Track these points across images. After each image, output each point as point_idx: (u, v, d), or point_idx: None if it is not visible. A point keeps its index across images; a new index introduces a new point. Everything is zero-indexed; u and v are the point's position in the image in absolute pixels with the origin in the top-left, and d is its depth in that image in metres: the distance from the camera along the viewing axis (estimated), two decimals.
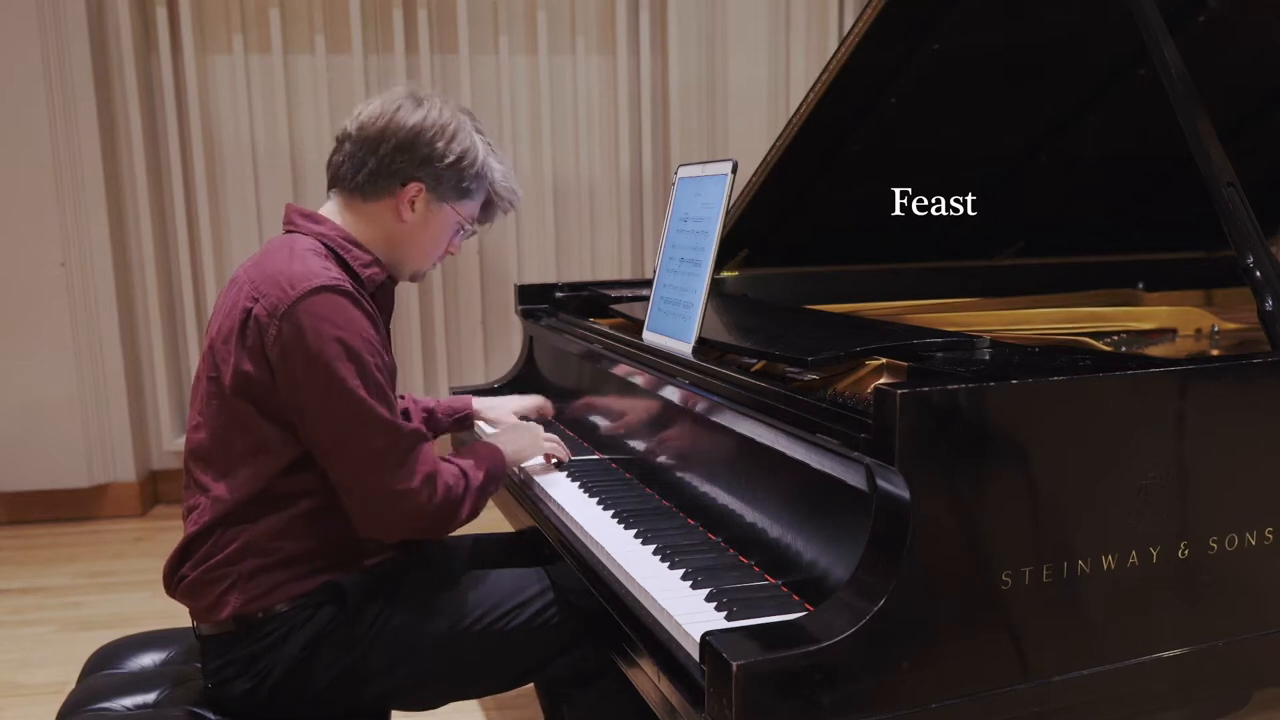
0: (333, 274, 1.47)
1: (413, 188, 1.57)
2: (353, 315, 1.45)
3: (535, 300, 2.49)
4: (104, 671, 1.66)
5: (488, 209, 1.69)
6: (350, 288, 1.47)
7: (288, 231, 1.60)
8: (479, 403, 2.07)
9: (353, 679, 1.50)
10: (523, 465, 1.90)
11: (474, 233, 1.70)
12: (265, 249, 1.56)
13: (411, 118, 1.55)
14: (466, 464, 1.59)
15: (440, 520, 1.52)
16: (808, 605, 1.22)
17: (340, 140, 1.60)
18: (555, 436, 1.90)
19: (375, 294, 1.58)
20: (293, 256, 1.49)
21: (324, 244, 1.55)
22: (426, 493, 1.48)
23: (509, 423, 2.02)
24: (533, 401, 2.13)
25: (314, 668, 1.48)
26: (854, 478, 1.19)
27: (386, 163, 1.56)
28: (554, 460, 1.88)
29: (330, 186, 1.62)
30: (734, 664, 0.99)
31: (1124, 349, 1.83)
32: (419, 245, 1.63)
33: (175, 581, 1.54)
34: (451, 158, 1.57)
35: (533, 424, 1.94)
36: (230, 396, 1.47)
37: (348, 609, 1.50)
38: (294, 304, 1.42)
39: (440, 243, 1.65)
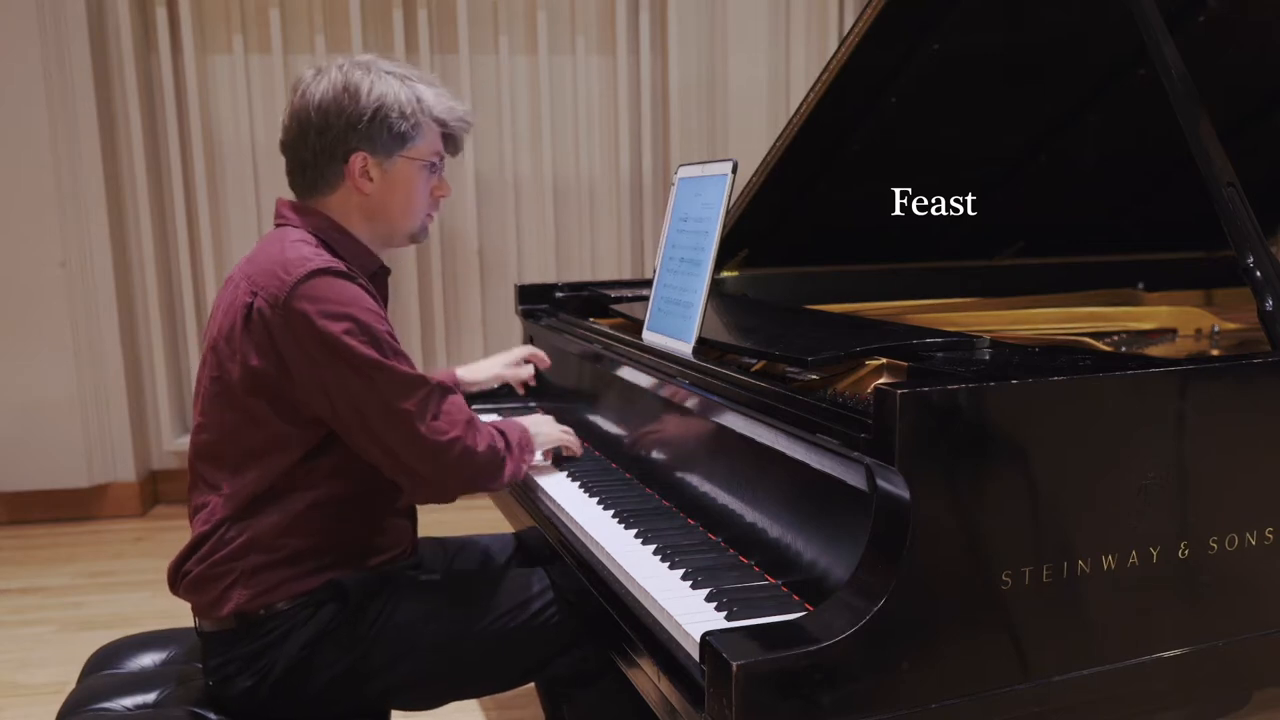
0: (325, 258, 1.47)
1: (355, 159, 1.53)
2: (352, 291, 1.45)
3: (535, 300, 2.49)
4: (104, 671, 1.66)
5: (447, 139, 1.61)
6: (344, 268, 1.47)
7: (278, 225, 1.59)
8: (463, 371, 2.09)
9: (354, 677, 1.50)
10: None
11: (440, 166, 1.62)
12: (259, 245, 1.56)
13: (315, 96, 1.52)
14: (498, 428, 1.61)
15: (490, 469, 1.53)
16: (808, 605, 1.22)
17: (282, 153, 1.60)
18: (570, 430, 1.92)
19: (369, 283, 1.57)
20: (284, 247, 1.49)
21: (314, 234, 1.54)
22: (471, 436, 1.50)
23: (494, 377, 2.09)
24: (518, 353, 2.14)
25: (315, 666, 1.48)
26: (854, 478, 1.19)
27: (320, 152, 1.53)
28: (566, 451, 1.90)
29: (298, 197, 1.61)
30: (734, 664, 0.99)
31: (1124, 349, 1.83)
32: (396, 207, 1.58)
33: (179, 578, 1.54)
34: (369, 111, 1.51)
35: (548, 418, 1.93)
36: (240, 394, 1.47)
37: (349, 608, 1.50)
38: (292, 290, 1.42)
39: (416, 194, 1.59)
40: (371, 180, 1.55)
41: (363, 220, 1.58)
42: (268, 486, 1.48)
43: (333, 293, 1.43)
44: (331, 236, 1.55)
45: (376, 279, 1.61)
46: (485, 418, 2.09)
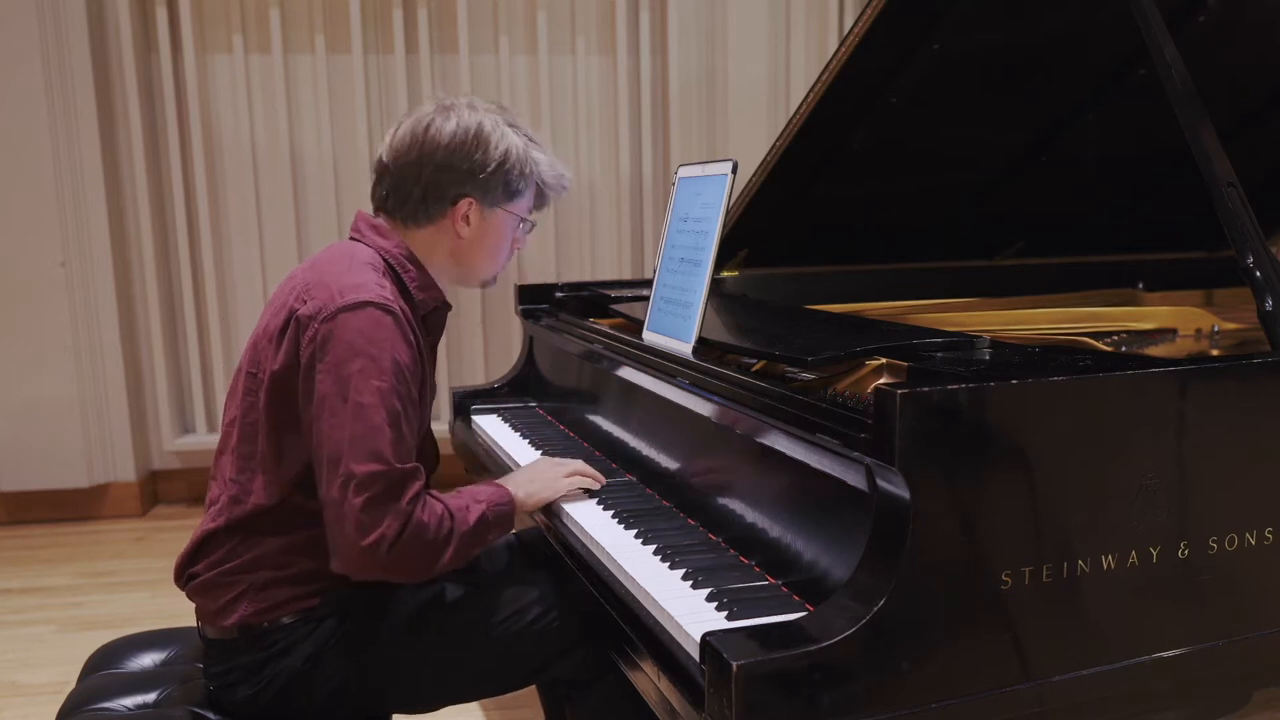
0: (385, 292, 1.45)
1: (464, 204, 1.56)
2: (392, 336, 1.42)
3: (535, 300, 2.49)
4: (104, 671, 1.66)
5: (540, 197, 1.66)
6: (398, 309, 1.44)
7: (353, 239, 1.59)
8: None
9: (355, 686, 1.50)
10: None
11: (534, 224, 1.68)
12: (328, 253, 1.56)
13: (444, 133, 1.53)
14: (459, 504, 1.47)
15: (411, 566, 1.41)
16: (808, 605, 1.22)
17: (379, 173, 1.58)
18: (580, 465, 1.71)
19: (427, 317, 1.57)
20: (350, 267, 1.48)
21: (385, 259, 1.53)
22: (395, 532, 1.36)
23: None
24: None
25: (316, 677, 1.48)
26: (854, 478, 1.19)
27: (432, 187, 1.54)
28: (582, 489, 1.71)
29: (377, 212, 1.61)
30: (734, 664, 0.99)
31: (1124, 349, 1.83)
32: (483, 254, 1.62)
33: (186, 577, 1.54)
34: (494, 164, 1.54)
35: (550, 460, 1.76)
36: (263, 393, 1.47)
37: (351, 620, 1.50)
38: (336, 312, 1.40)
39: (503, 245, 1.63)
40: (469, 225, 1.57)
41: (447, 258, 1.60)
42: (280, 499, 1.46)
43: (372, 329, 1.40)
44: (404, 266, 1.55)
45: (437, 312, 1.61)
46: (485, 419, 2.10)
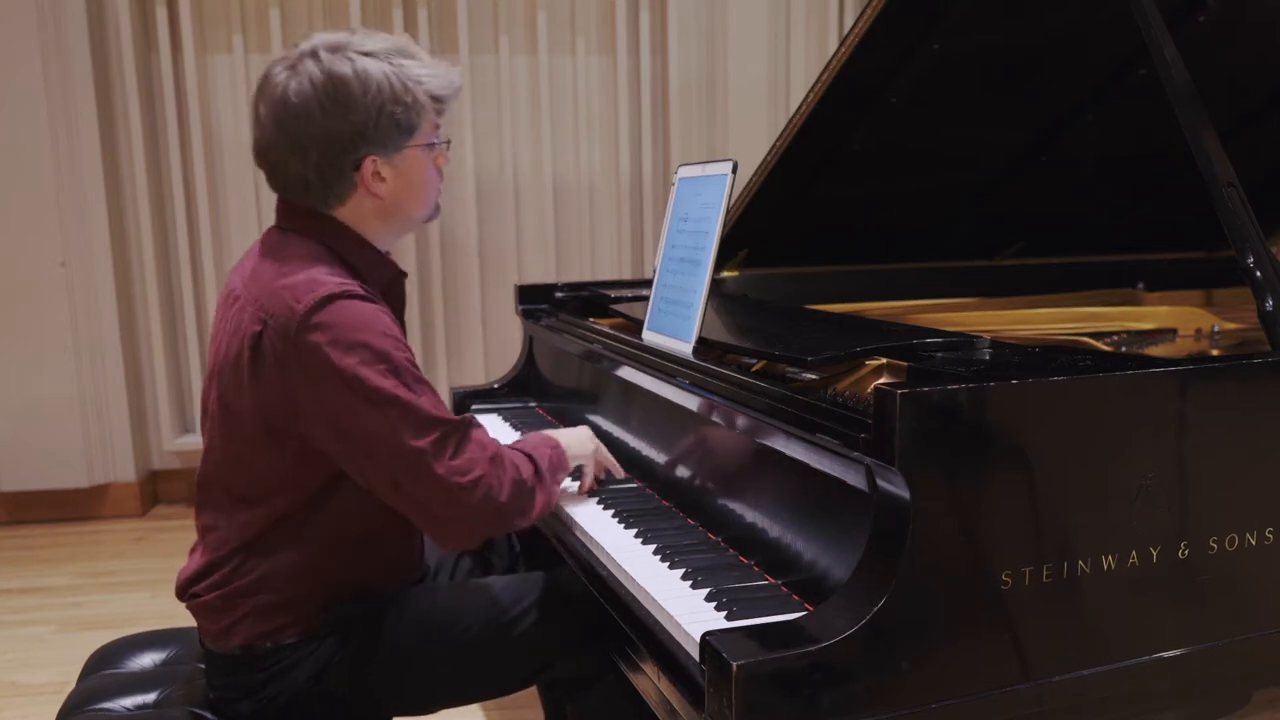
0: (337, 279, 1.37)
1: (365, 165, 1.42)
2: (368, 315, 1.35)
3: (535, 300, 2.49)
4: (104, 671, 1.66)
5: (438, 109, 1.48)
6: (358, 289, 1.37)
7: (279, 228, 1.48)
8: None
9: (356, 698, 1.49)
10: None
11: (448, 141, 1.53)
12: (259, 254, 1.45)
13: (303, 102, 1.37)
14: (530, 447, 1.50)
15: (516, 510, 1.41)
16: (808, 605, 1.22)
17: (264, 168, 1.45)
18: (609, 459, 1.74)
19: (387, 292, 1.49)
20: (294, 266, 1.38)
21: (325, 247, 1.44)
22: (496, 476, 1.39)
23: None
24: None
25: (320, 693, 1.47)
26: (854, 478, 1.19)
27: (323, 167, 1.41)
28: (601, 474, 1.72)
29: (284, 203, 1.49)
30: (734, 664, 0.99)
31: (1124, 349, 1.83)
32: (411, 198, 1.49)
33: (188, 595, 1.51)
34: (373, 110, 1.38)
35: (584, 429, 1.74)
36: (249, 427, 1.39)
37: (353, 636, 1.48)
38: (304, 319, 1.32)
39: (428, 180, 1.50)
40: (384, 180, 1.44)
41: (378, 220, 1.48)
42: (280, 520, 1.43)
43: (347, 318, 1.32)
44: (346, 248, 1.45)
45: (394, 285, 1.53)
46: (485, 419, 2.09)
